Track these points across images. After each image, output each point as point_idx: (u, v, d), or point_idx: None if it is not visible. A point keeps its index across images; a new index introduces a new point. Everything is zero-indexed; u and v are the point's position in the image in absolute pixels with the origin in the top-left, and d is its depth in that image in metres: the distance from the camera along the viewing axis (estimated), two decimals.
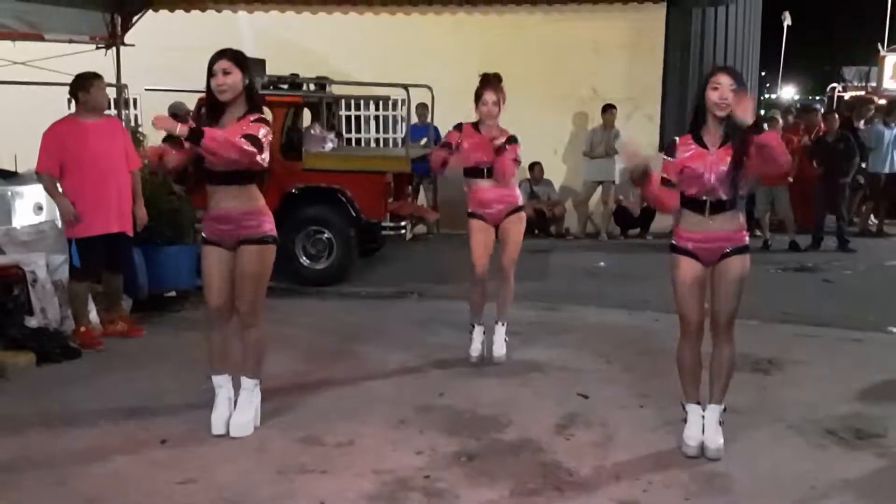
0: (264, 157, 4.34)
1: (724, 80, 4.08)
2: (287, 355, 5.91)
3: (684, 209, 4.28)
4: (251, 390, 4.64)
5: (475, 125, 5.86)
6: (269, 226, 4.56)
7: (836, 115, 11.68)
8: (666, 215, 4.67)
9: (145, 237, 6.82)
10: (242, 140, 4.21)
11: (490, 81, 5.79)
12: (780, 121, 11.69)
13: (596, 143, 11.77)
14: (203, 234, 4.61)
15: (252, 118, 4.36)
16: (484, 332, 6.00)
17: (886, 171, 12.17)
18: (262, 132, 4.32)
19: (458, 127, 5.90)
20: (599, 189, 11.98)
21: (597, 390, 5.36)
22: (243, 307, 4.55)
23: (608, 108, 11.72)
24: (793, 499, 3.92)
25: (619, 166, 11.91)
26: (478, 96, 5.78)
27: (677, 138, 4.31)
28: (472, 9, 12.00)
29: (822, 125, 12.32)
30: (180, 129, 4.15)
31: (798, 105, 22.53)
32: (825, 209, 11.14)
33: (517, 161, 5.85)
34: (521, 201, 5.96)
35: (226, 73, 4.35)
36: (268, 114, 4.41)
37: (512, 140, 5.75)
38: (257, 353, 4.67)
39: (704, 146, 4.18)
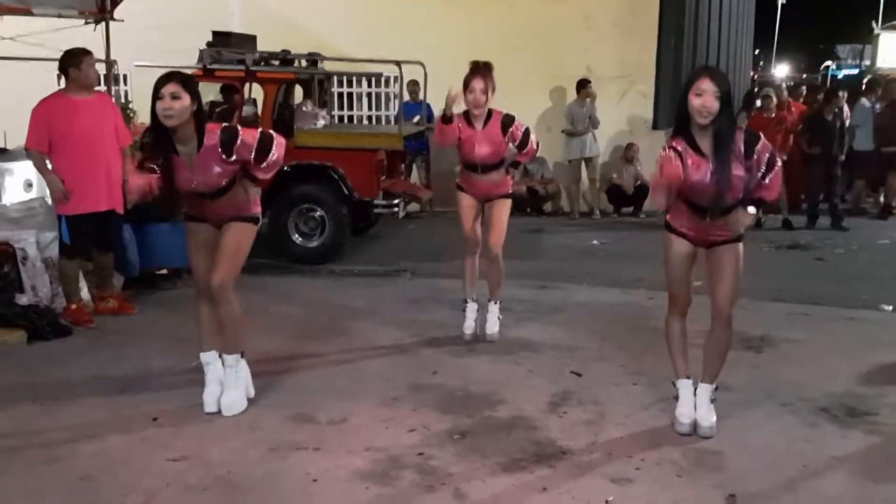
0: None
1: (708, 87, 3.91)
2: (279, 333, 5.90)
3: (685, 205, 4.19)
4: (234, 366, 4.61)
5: (467, 118, 5.73)
6: (257, 208, 4.60)
7: (840, 93, 11.60)
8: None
9: (136, 215, 6.78)
10: (277, 146, 4.38)
11: (479, 69, 5.65)
12: (774, 98, 11.65)
13: (578, 120, 11.71)
14: (185, 212, 4.58)
15: (216, 137, 4.27)
16: (477, 310, 5.99)
17: (873, 147, 12.16)
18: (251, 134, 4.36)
19: (450, 118, 5.71)
20: (585, 167, 11.93)
21: (590, 368, 5.36)
22: (216, 278, 4.44)
23: (585, 83, 11.68)
24: (785, 476, 3.93)
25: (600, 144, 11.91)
26: (466, 84, 5.64)
27: (673, 142, 4.07)
28: None
29: (792, 101, 12.26)
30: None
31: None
32: (821, 187, 11.13)
33: (530, 138, 5.77)
34: (510, 190, 5.91)
35: (174, 97, 4.16)
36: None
37: (510, 121, 5.68)
38: (233, 328, 4.59)
39: (699, 150, 4.03)
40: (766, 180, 4.11)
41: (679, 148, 4.04)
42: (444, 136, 5.76)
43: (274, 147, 4.39)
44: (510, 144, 5.78)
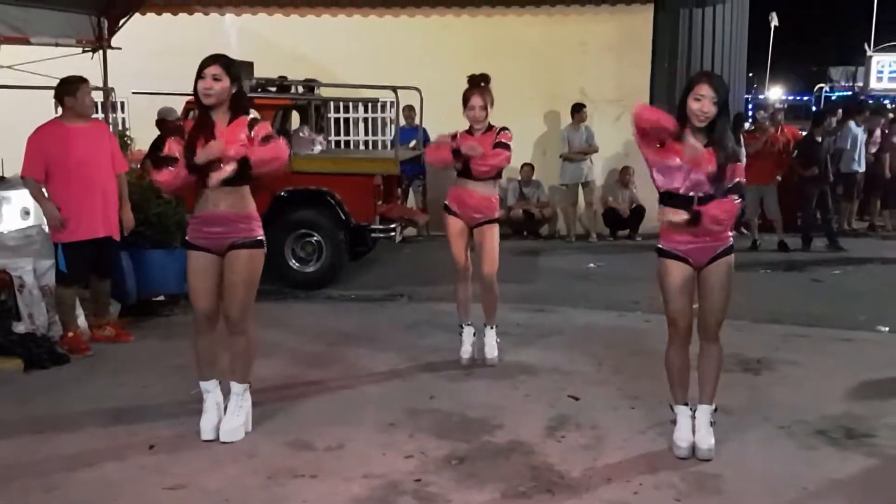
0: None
1: (707, 93, 4.06)
2: (276, 359, 5.89)
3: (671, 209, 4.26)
4: (241, 395, 4.62)
5: (469, 132, 5.80)
6: (260, 230, 4.56)
7: (831, 116, 11.71)
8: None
9: (132, 241, 6.79)
10: (278, 146, 4.42)
11: (478, 84, 5.72)
12: (771, 128, 11.72)
13: (577, 145, 11.76)
14: (187, 239, 4.56)
15: (247, 120, 4.39)
16: (474, 334, 5.98)
17: (861, 169, 12.24)
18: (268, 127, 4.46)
19: (454, 136, 5.81)
20: (581, 191, 11.97)
21: (587, 392, 5.36)
22: (233, 313, 4.52)
23: (580, 107, 11.74)
24: (784, 499, 3.92)
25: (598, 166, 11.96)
26: (465, 100, 5.72)
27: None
28: (461, 10, 12.00)
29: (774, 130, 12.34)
30: (230, 169, 4.31)
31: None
32: (816, 209, 11.18)
33: (507, 147, 5.74)
34: (497, 214, 5.90)
35: (215, 78, 4.35)
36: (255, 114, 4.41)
37: (502, 129, 5.73)
38: (246, 359, 4.65)
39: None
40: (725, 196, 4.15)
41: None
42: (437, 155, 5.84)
43: (273, 143, 4.42)
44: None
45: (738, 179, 4.17)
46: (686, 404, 4.41)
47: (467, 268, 5.89)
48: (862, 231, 12.65)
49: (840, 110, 12.86)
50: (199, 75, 4.37)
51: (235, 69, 4.46)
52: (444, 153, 5.78)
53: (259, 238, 4.54)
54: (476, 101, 5.67)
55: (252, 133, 4.40)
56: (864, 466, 4.29)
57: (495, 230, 5.88)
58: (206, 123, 4.43)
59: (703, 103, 4.06)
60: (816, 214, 11.22)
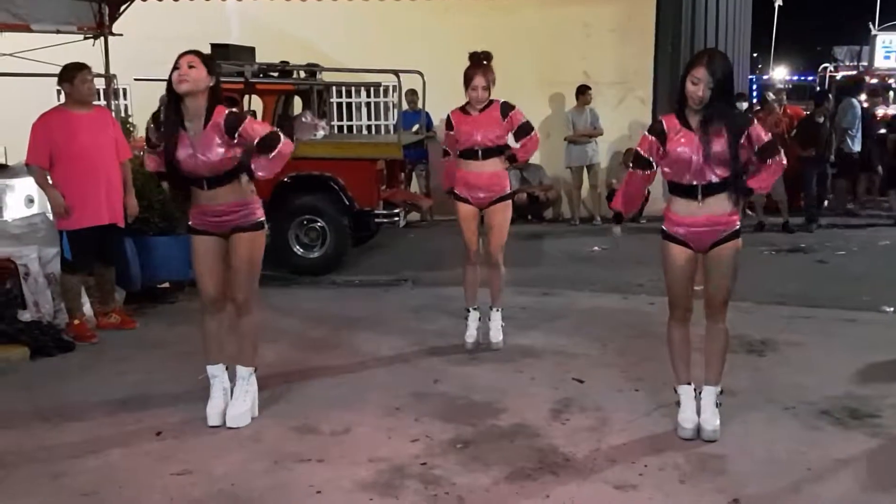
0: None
1: (703, 77, 4.04)
2: (282, 344, 5.91)
3: (675, 196, 4.27)
4: (247, 379, 4.64)
5: (462, 109, 5.75)
6: (260, 212, 4.60)
7: (829, 95, 11.67)
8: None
9: (137, 228, 6.80)
10: (282, 152, 4.39)
11: (480, 63, 5.65)
12: (778, 107, 11.67)
13: (581, 127, 11.72)
14: (190, 224, 4.58)
15: (223, 117, 4.33)
16: (479, 318, 5.99)
17: (858, 149, 12.13)
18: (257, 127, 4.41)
19: (448, 123, 5.79)
20: (586, 174, 11.93)
21: (591, 375, 5.37)
22: (239, 295, 4.57)
23: (584, 90, 11.69)
24: (788, 480, 3.93)
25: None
26: (468, 79, 5.64)
27: (663, 119, 4.28)
28: None
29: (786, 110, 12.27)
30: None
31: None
32: (816, 189, 11.17)
33: (531, 128, 5.76)
34: (509, 189, 5.86)
35: (190, 66, 4.29)
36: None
37: (510, 108, 5.68)
38: (252, 340, 4.68)
39: (689, 127, 4.17)
40: (761, 170, 4.20)
41: (665, 125, 4.23)
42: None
43: (280, 145, 4.38)
44: (510, 135, 5.76)
45: (765, 140, 4.16)
46: (689, 384, 4.41)
47: (477, 250, 5.86)
48: (863, 212, 12.57)
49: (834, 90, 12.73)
50: (175, 66, 4.31)
51: (213, 64, 4.42)
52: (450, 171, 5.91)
53: (259, 220, 4.57)
54: (479, 80, 5.60)
55: (235, 137, 4.32)
56: (869, 447, 4.29)
57: (508, 208, 5.82)
58: (174, 124, 4.36)
59: (698, 87, 4.06)
60: (816, 194, 11.21)
